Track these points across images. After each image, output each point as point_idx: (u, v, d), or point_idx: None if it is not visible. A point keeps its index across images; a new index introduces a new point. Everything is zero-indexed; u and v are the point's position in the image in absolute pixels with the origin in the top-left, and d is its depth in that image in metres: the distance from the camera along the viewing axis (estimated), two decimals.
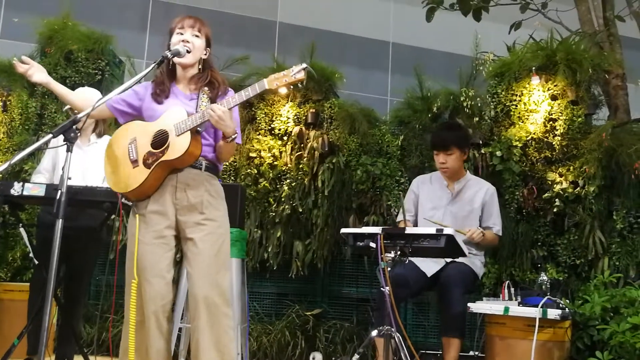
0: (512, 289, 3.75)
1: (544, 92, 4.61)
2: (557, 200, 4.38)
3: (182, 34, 2.73)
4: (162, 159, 2.57)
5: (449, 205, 3.95)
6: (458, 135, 3.96)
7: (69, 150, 2.48)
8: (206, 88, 2.75)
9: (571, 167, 4.45)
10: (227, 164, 5.10)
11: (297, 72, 2.46)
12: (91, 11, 8.39)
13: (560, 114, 4.55)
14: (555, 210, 4.40)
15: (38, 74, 2.78)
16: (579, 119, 4.50)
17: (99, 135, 3.94)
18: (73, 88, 4.67)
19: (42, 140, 2.45)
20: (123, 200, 3.04)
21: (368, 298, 4.79)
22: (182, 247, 2.69)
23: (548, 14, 6.02)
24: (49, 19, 5.47)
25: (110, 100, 2.73)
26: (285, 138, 5.12)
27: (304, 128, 5.09)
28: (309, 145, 5.01)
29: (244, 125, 5.15)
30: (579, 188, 4.35)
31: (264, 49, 9.06)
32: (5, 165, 2.32)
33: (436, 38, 10.19)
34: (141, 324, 2.58)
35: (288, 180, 4.99)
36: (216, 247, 2.63)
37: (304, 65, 2.45)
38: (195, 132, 2.58)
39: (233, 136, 2.59)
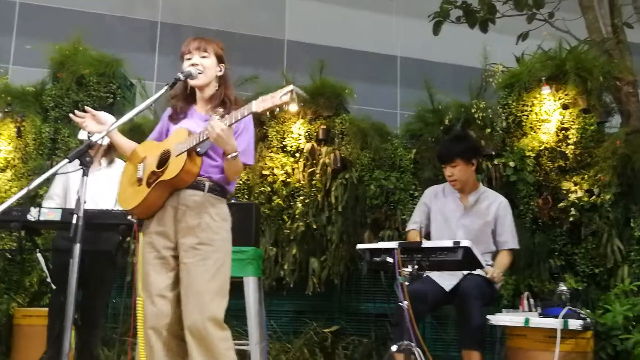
0: (532, 300, 3.71)
1: (555, 101, 4.60)
2: (572, 209, 4.36)
3: (190, 58, 2.72)
4: (161, 178, 2.58)
5: (461, 218, 3.91)
6: (462, 146, 3.91)
7: (85, 174, 2.49)
8: (220, 109, 2.72)
9: (586, 176, 4.43)
10: (241, 182, 5.11)
11: (283, 94, 2.34)
12: (100, 35, 8.48)
13: (572, 123, 4.53)
14: (571, 219, 4.37)
15: (92, 125, 2.79)
16: (592, 127, 4.48)
17: (110, 162, 3.94)
18: (85, 112, 4.73)
19: (58, 165, 2.46)
20: (129, 217, 3.04)
21: (386, 313, 4.75)
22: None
23: (555, 23, 6.01)
24: (60, 44, 5.54)
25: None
26: (297, 155, 5.13)
27: (315, 144, 5.11)
28: (321, 161, 5.02)
29: (256, 144, 5.16)
30: (594, 196, 4.33)
31: (272, 67, 9.10)
32: (24, 191, 2.33)
33: (443, 51, 10.19)
34: (145, 341, 2.60)
35: (301, 197, 4.99)
36: (210, 272, 2.56)
37: (291, 87, 2.34)
38: (194, 152, 2.55)
39: (233, 154, 2.53)
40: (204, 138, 2.49)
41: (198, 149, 2.55)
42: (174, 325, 2.60)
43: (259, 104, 2.38)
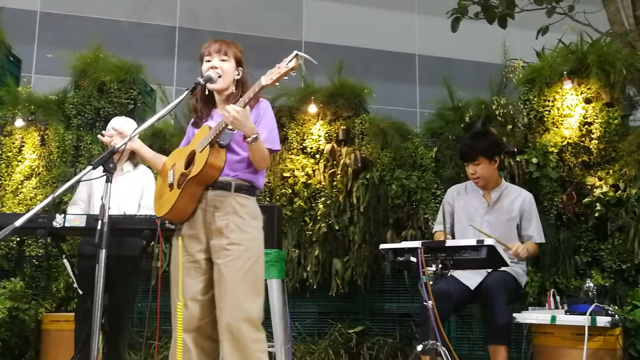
0: (558, 297, 3.67)
1: (577, 95, 4.55)
2: (598, 204, 4.29)
3: (209, 60, 2.74)
4: (189, 176, 2.58)
5: (485, 215, 3.88)
6: (484, 144, 3.87)
7: (108, 180, 2.51)
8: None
9: (610, 171, 4.37)
10: None
11: (289, 61, 2.36)
12: (119, 41, 8.57)
13: (595, 117, 4.48)
14: (596, 215, 4.31)
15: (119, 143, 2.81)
16: (616, 121, 4.42)
17: (135, 165, 3.99)
18: (107, 119, 4.80)
19: (82, 172, 2.48)
20: (167, 224, 3.06)
21: (410, 313, 4.74)
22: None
23: (575, 16, 5.95)
24: (81, 52, 5.60)
25: None
26: (317, 156, 5.13)
27: (335, 145, 5.10)
28: (342, 162, 5.01)
29: None
30: (620, 191, 4.26)
31: None
32: (49, 199, 2.36)
33: (462, 47, 10.16)
34: (178, 344, 2.60)
35: (323, 198, 4.99)
36: (242, 272, 2.56)
37: (295, 52, 2.35)
38: (217, 145, 2.55)
39: (253, 136, 2.50)
40: (222, 126, 2.49)
41: (220, 141, 2.54)
42: (208, 328, 2.61)
43: (267, 77, 2.40)
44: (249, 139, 2.51)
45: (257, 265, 2.63)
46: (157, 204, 2.79)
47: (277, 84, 2.42)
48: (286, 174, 5.12)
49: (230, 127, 2.50)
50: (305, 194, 5.05)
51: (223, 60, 2.73)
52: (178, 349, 2.61)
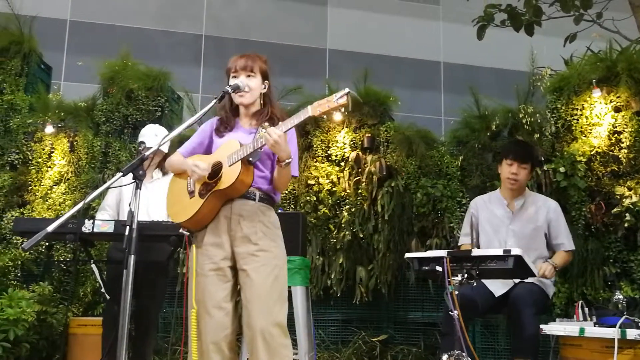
0: (586, 309, 3.61)
1: (606, 104, 4.50)
2: (627, 214, 4.23)
3: (236, 76, 2.77)
4: (215, 188, 2.62)
5: (511, 224, 3.84)
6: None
7: (138, 187, 2.54)
8: (266, 123, 2.75)
9: None
10: (287, 192, 5.14)
11: (339, 97, 2.39)
12: (147, 49, 8.68)
13: (625, 126, 4.42)
14: (626, 225, 4.25)
15: None
16: None
17: (165, 173, 4.03)
18: (135, 126, 4.87)
19: (113, 179, 2.52)
20: (180, 230, 3.08)
21: (435, 322, 4.70)
22: (238, 278, 2.68)
23: (604, 23, 5.87)
24: (109, 60, 5.69)
25: (185, 150, 2.86)
26: (342, 164, 5.14)
27: (360, 153, 5.10)
28: (367, 169, 5.01)
29: (301, 153, 5.20)
30: None
31: (315, 76, 9.18)
32: (80, 204, 2.40)
33: (488, 55, 10.09)
34: (203, 355, 2.60)
35: (347, 206, 4.99)
36: (271, 278, 2.61)
37: (347, 90, 2.39)
38: (247, 162, 2.60)
39: (287, 160, 2.58)
40: (260, 146, 2.54)
41: (250, 159, 2.59)
42: (231, 336, 2.63)
43: (315, 108, 2.43)
44: (283, 163, 2.58)
45: (284, 272, 2.69)
46: (172, 208, 2.81)
47: (324, 117, 2.46)
48: (311, 182, 5.13)
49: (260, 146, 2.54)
50: (330, 201, 5.05)
51: (249, 76, 2.76)
52: (194, 357, 2.62)
